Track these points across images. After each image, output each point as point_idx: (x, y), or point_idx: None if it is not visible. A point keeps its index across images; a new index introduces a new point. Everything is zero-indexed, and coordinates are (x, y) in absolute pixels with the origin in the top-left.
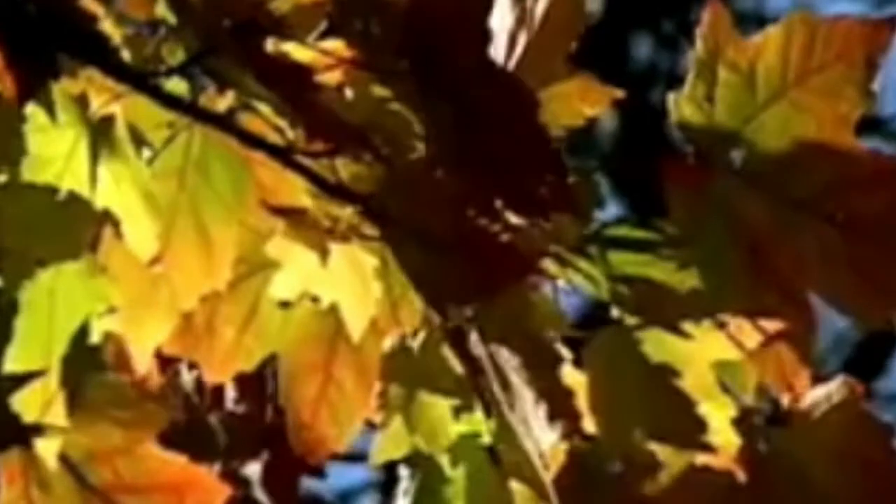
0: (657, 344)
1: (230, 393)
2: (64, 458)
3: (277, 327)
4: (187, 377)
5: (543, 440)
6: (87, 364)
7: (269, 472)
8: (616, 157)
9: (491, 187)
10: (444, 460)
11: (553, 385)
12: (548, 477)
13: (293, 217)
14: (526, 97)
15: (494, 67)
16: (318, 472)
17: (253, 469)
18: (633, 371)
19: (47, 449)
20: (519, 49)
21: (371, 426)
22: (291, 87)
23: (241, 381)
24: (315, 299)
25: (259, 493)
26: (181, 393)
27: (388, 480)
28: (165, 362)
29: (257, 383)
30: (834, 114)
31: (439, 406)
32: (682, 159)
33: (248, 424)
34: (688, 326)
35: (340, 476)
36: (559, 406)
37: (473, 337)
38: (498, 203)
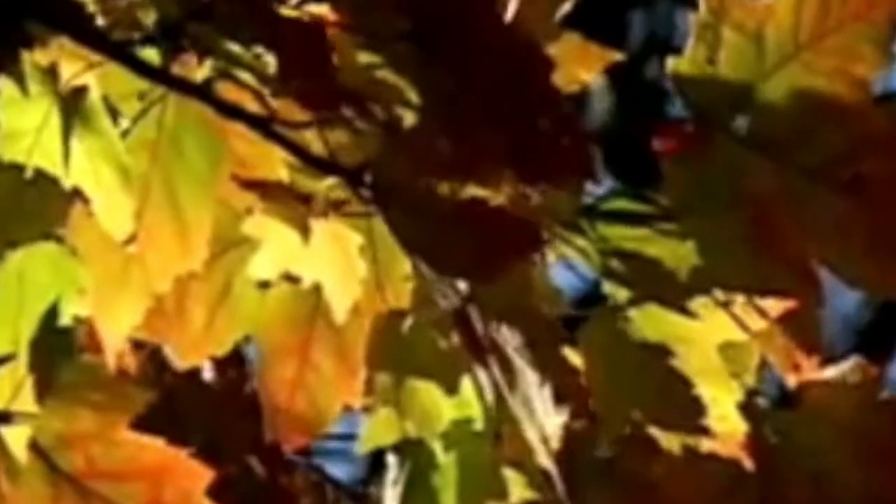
0: (655, 323)
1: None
2: (35, 445)
3: (252, 308)
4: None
5: (548, 423)
6: (57, 347)
7: (258, 443)
8: (609, 135)
9: (498, 154)
10: (436, 446)
11: (559, 364)
12: (551, 462)
13: (271, 192)
14: (538, 57)
15: (504, 26)
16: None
17: (244, 440)
18: (630, 352)
19: (16, 436)
20: (510, 10)
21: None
22: (304, 47)
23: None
24: (295, 279)
25: (253, 463)
26: (158, 361)
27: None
28: None
29: (235, 355)
30: (850, 76)
31: (432, 390)
32: (681, 125)
33: (229, 394)
34: (689, 305)
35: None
36: (566, 386)
37: (473, 315)
38: (507, 171)
